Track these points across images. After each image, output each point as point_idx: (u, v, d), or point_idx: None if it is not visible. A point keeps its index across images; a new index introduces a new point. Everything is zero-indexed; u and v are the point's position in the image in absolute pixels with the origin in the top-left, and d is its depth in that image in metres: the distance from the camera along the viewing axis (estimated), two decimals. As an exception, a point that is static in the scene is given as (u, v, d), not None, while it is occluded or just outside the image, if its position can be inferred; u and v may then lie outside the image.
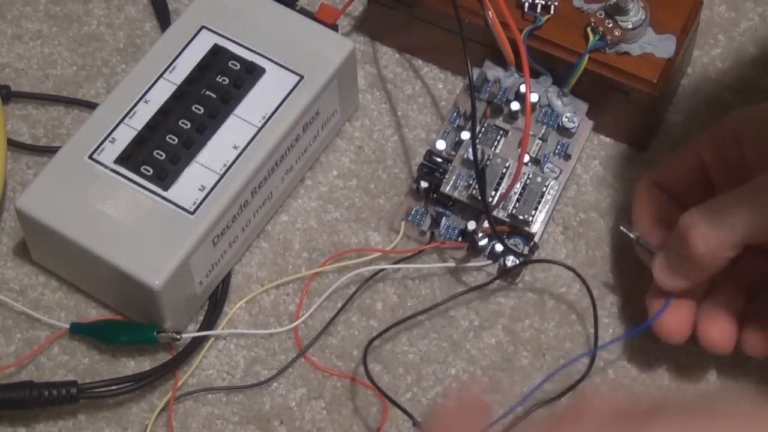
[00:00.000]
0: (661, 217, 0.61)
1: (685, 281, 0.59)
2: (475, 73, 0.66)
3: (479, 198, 0.62)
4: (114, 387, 0.60)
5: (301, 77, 0.64)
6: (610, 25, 0.64)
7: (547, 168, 0.65)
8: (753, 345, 0.59)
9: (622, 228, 0.62)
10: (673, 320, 0.59)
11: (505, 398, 0.61)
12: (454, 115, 0.67)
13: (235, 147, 0.62)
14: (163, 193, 0.61)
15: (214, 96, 0.64)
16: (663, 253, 0.59)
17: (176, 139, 0.62)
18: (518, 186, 0.64)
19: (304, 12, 0.67)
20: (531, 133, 0.65)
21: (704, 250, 0.57)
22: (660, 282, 0.59)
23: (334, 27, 0.67)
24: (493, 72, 0.67)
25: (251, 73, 0.64)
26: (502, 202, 0.63)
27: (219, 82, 0.64)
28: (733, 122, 0.60)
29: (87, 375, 0.62)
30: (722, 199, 0.57)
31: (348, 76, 0.66)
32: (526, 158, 0.65)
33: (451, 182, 0.64)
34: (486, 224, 0.63)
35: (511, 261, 0.63)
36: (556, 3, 0.66)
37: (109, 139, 0.62)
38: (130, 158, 0.62)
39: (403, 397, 0.61)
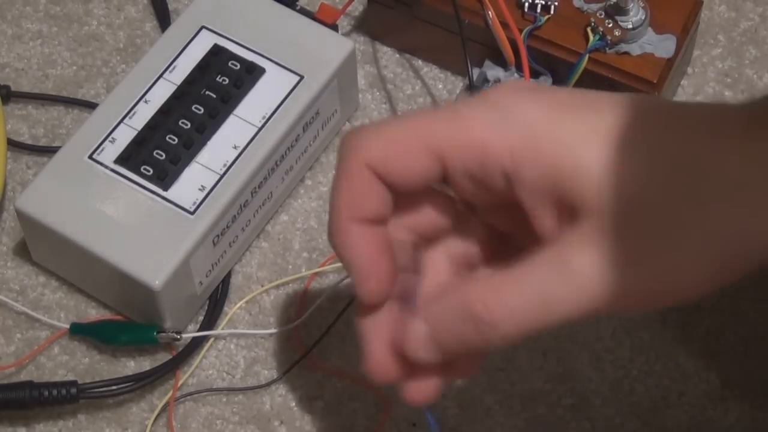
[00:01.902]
0: (382, 238, 0.49)
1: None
2: (475, 73, 0.66)
3: (479, 198, 0.62)
4: (114, 387, 0.60)
5: (301, 77, 0.64)
6: (610, 25, 0.64)
7: (547, 168, 0.65)
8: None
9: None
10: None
11: (505, 398, 0.61)
12: (454, 115, 0.67)
13: (235, 147, 0.62)
14: (163, 193, 0.61)
15: (214, 96, 0.64)
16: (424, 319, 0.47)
17: (176, 139, 0.62)
18: (518, 186, 0.64)
19: (304, 12, 0.67)
20: (531, 133, 0.65)
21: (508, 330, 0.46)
22: (418, 355, 0.48)
23: (334, 27, 0.67)
24: (493, 72, 0.67)
25: (251, 73, 0.64)
26: (502, 202, 0.63)
27: (219, 82, 0.64)
28: (500, 146, 0.46)
29: (87, 375, 0.62)
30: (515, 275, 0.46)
31: (348, 76, 0.66)
32: (526, 158, 0.65)
33: (451, 182, 0.64)
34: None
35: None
36: (556, 3, 0.66)
37: (109, 139, 0.62)
38: (130, 158, 0.62)
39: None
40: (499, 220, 0.50)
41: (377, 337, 0.49)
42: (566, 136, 0.45)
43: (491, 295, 0.45)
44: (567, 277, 0.44)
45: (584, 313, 0.45)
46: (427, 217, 0.50)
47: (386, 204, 0.48)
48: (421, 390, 0.49)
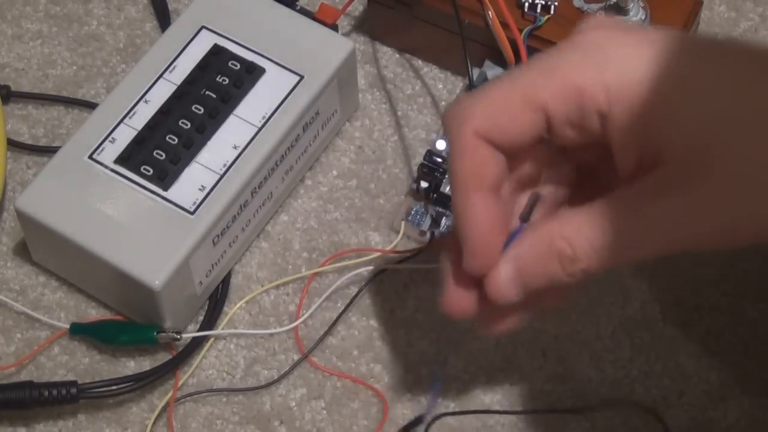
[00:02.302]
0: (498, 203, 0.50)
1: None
2: (475, 73, 0.66)
3: (479, 198, 0.62)
4: (114, 387, 0.60)
5: (301, 77, 0.64)
6: (610, 25, 0.64)
7: (547, 168, 0.65)
8: None
9: None
10: None
11: (505, 398, 0.61)
12: (454, 115, 0.67)
13: (235, 147, 0.62)
14: (163, 193, 0.61)
15: (214, 96, 0.64)
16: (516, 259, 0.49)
17: (176, 139, 0.62)
18: (518, 186, 0.64)
19: (304, 12, 0.67)
20: (531, 133, 0.65)
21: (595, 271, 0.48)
22: (501, 296, 0.50)
23: (334, 27, 0.67)
24: (493, 72, 0.67)
25: (251, 73, 0.64)
26: (502, 202, 0.63)
27: (219, 82, 0.64)
28: (596, 87, 0.47)
29: (87, 375, 0.62)
30: (613, 211, 0.47)
31: (348, 76, 0.66)
32: (526, 158, 0.65)
33: (451, 182, 0.64)
34: (486, 224, 0.63)
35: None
36: (556, 3, 0.66)
37: (109, 139, 0.62)
38: (130, 158, 0.62)
39: (403, 397, 0.61)
40: (590, 161, 0.51)
41: (457, 275, 0.51)
42: (657, 80, 0.46)
43: (573, 232, 0.47)
44: (641, 219, 0.46)
45: (658, 253, 0.47)
46: (527, 166, 0.51)
47: (502, 168, 0.50)
48: (502, 323, 0.51)
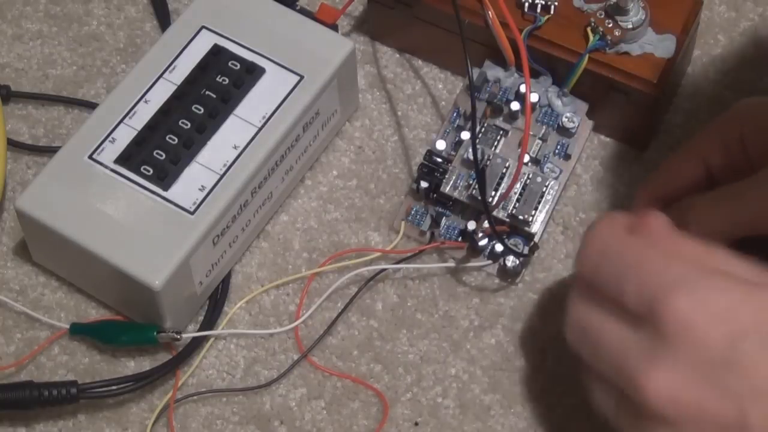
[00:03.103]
0: None
1: None
2: (475, 73, 0.66)
3: (479, 198, 0.62)
4: (114, 387, 0.60)
5: (301, 77, 0.64)
6: (610, 25, 0.64)
7: (547, 168, 0.65)
8: None
9: None
10: None
11: (505, 398, 0.61)
12: (454, 115, 0.67)
13: (235, 147, 0.62)
14: (163, 193, 0.61)
15: (214, 96, 0.64)
16: None
17: (176, 139, 0.62)
18: (518, 186, 0.64)
19: (304, 12, 0.67)
20: (531, 133, 0.65)
21: (696, 232, 0.53)
22: None
23: (334, 27, 0.67)
24: (493, 72, 0.67)
25: (251, 73, 0.64)
26: (502, 202, 0.63)
27: (219, 82, 0.64)
28: (734, 121, 0.59)
29: (87, 375, 0.62)
30: (725, 188, 0.57)
31: (348, 76, 0.66)
32: (526, 158, 0.65)
33: (451, 182, 0.64)
34: (486, 224, 0.63)
35: (511, 261, 0.63)
36: (556, 3, 0.66)
37: (109, 139, 0.62)
38: (130, 158, 0.62)
39: (403, 397, 0.61)
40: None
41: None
42: None
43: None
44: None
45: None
46: None
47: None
48: None
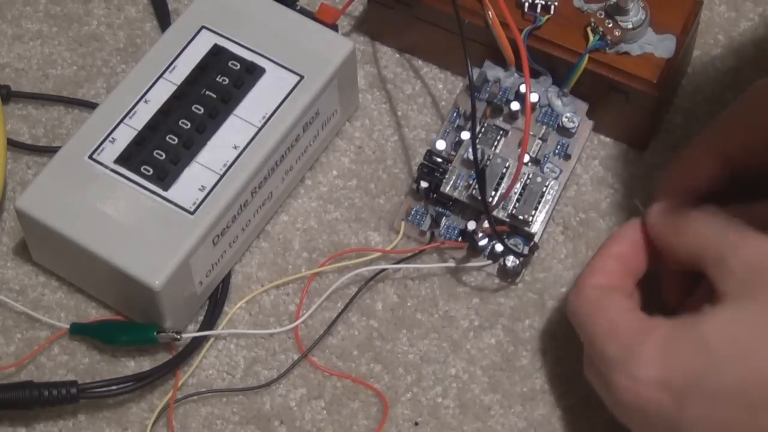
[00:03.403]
0: None
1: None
2: (475, 73, 0.66)
3: (479, 198, 0.62)
4: (114, 387, 0.60)
5: (301, 77, 0.64)
6: (610, 25, 0.64)
7: (547, 168, 0.65)
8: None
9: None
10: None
11: (505, 398, 0.61)
12: (454, 115, 0.67)
13: (235, 147, 0.62)
14: (163, 193, 0.61)
15: (214, 96, 0.64)
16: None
17: (176, 139, 0.62)
18: (518, 186, 0.64)
19: (304, 12, 0.67)
20: (531, 133, 0.65)
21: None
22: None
23: (334, 27, 0.67)
24: (493, 72, 0.67)
25: (251, 73, 0.64)
26: (502, 202, 0.63)
27: (219, 82, 0.64)
28: (756, 105, 0.57)
29: (87, 375, 0.62)
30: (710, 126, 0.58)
31: (348, 76, 0.66)
32: (526, 158, 0.65)
33: (451, 182, 0.64)
34: (486, 224, 0.63)
35: (511, 261, 0.63)
36: (556, 3, 0.66)
37: (109, 139, 0.62)
38: (130, 158, 0.62)
39: (403, 397, 0.61)
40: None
41: None
42: None
43: None
44: None
45: None
46: None
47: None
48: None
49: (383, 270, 0.64)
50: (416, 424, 0.61)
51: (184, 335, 0.61)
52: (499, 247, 0.64)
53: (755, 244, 0.54)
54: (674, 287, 0.60)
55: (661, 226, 0.58)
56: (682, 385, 0.53)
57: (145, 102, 0.63)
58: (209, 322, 0.63)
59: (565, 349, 0.62)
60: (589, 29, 0.65)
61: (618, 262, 0.59)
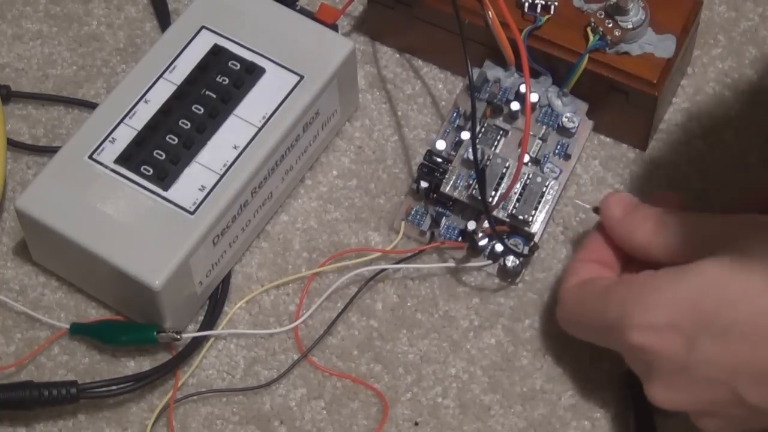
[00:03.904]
0: None
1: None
2: (475, 73, 0.66)
3: (479, 198, 0.62)
4: (114, 387, 0.60)
5: (301, 77, 0.64)
6: (610, 25, 0.64)
7: (547, 168, 0.65)
8: None
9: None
10: None
11: (505, 398, 0.61)
12: (454, 115, 0.67)
13: (235, 147, 0.62)
14: (163, 193, 0.61)
15: (214, 96, 0.64)
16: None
17: (176, 139, 0.62)
18: (518, 186, 0.64)
19: (304, 12, 0.67)
20: (531, 133, 0.65)
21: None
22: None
23: (334, 27, 0.67)
24: (493, 72, 0.67)
25: (251, 73, 0.64)
26: (502, 202, 0.63)
27: (219, 82, 0.64)
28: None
29: (87, 375, 0.62)
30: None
31: (348, 76, 0.66)
32: (526, 158, 0.65)
33: (451, 182, 0.64)
34: (486, 224, 0.63)
35: (511, 261, 0.63)
36: (556, 3, 0.66)
37: (109, 139, 0.62)
38: (130, 158, 0.62)
39: (403, 397, 0.61)
40: None
41: None
42: None
43: None
44: None
45: None
46: None
47: None
48: None
49: (383, 270, 0.64)
50: (416, 424, 0.61)
51: (184, 335, 0.61)
52: (499, 247, 0.64)
53: (734, 221, 0.57)
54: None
55: (629, 228, 0.60)
56: (692, 326, 0.54)
57: (145, 102, 0.63)
58: (209, 322, 0.63)
59: (565, 349, 0.62)
60: (589, 29, 0.65)
61: (588, 262, 0.61)
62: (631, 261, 0.61)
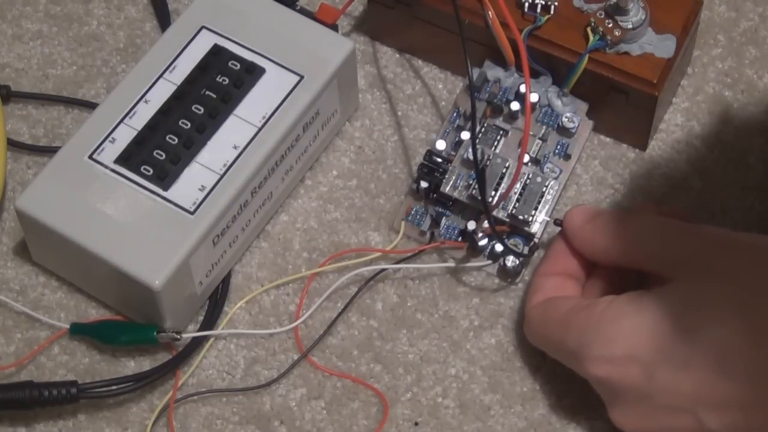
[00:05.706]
0: None
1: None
2: (475, 73, 0.66)
3: (479, 198, 0.62)
4: (114, 387, 0.60)
5: (301, 77, 0.64)
6: (610, 25, 0.64)
7: (547, 168, 0.65)
8: None
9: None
10: None
11: (505, 398, 0.61)
12: (454, 115, 0.67)
13: (235, 147, 0.62)
14: (163, 193, 0.61)
15: (214, 96, 0.64)
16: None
17: (176, 139, 0.62)
18: (518, 186, 0.64)
19: (304, 12, 0.67)
20: (531, 133, 0.65)
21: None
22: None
23: (334, 27, 0.67)
24: (493, 72, 0.67)
25: (251, 73, 0.64)
26: (502, 202, 0.63)
27: (219, 82, 0.64)
28: None
29: (87, 375, 0.62)
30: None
31: (348, 76, 0.66)
32: (526, 158, 0.65)
33: (451, 182, 0.64)
34: (486, 224, 0.63)
35: (511, 261, 0.63)
36: (556, 3, 0.66)
37: (109, 139, 0.62)
38: (130, 158, 0.62)
39: (403, 397, 0.61)
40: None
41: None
42: None
43: None
44: None
45: None
46: None
47: None
48: None
49: (383, 270, 0.64)
50: (416, 424, 0.61)
51: (184, 335, 0.61)
52: (499, 247, 0.64)
53: (698, 231, 0.58)
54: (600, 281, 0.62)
55: (591, 232, 0.61)
56: (651, 357, 0.55)
57: (145, 102, 0.63)
58: (209, 322, 0.63)
59: (565, 349, 0.62)
60: (589, 29, 0.65)
61: (552, 276, 0.61)
62: (595, 270, 0.61)
